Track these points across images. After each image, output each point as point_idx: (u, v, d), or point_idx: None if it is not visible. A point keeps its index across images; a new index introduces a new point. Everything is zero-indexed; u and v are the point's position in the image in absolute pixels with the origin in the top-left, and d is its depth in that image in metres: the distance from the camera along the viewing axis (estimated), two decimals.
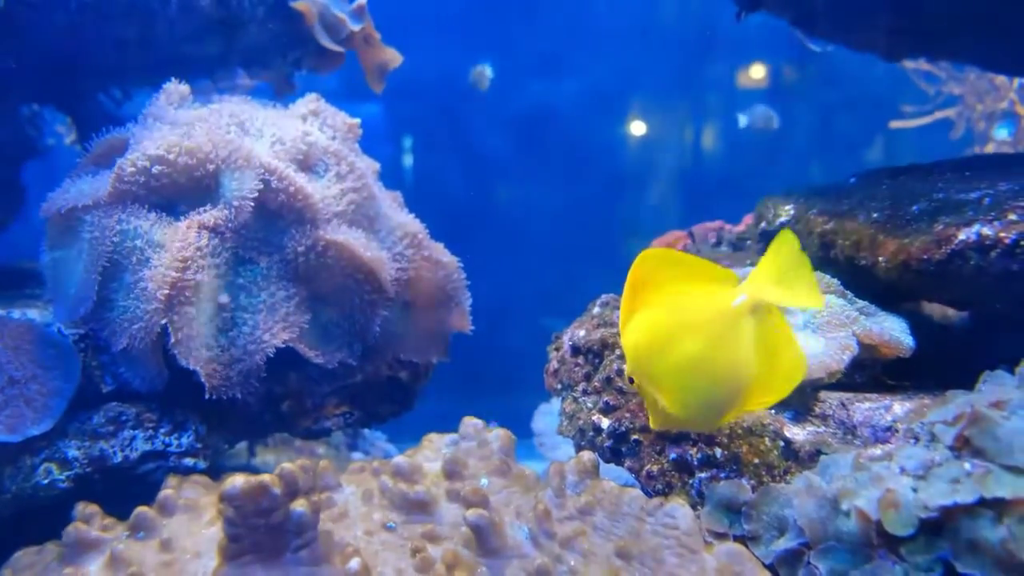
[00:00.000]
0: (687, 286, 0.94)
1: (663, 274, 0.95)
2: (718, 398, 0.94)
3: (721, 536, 1.04)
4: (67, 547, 1.08)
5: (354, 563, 0.94)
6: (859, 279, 1.25)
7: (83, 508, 1.15)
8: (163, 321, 1.25)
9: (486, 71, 3.62)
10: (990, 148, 3.46)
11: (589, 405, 1.32)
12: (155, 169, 1.32)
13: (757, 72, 4.23)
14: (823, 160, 4.16)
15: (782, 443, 1.09)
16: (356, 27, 1.89)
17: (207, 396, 1.28)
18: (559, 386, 1.47)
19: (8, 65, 1.66)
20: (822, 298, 0.90)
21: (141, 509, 1.12)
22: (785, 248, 0.89)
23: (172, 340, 1.25)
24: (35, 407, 1.24)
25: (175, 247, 1.27)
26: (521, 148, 4.26)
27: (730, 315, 0.89)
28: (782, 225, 1.52)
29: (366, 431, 2.61)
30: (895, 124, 3.55)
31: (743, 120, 3.47)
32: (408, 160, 4.31)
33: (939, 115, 3.50)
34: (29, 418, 1.23)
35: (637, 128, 4.36)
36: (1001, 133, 3.45)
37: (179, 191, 1.36)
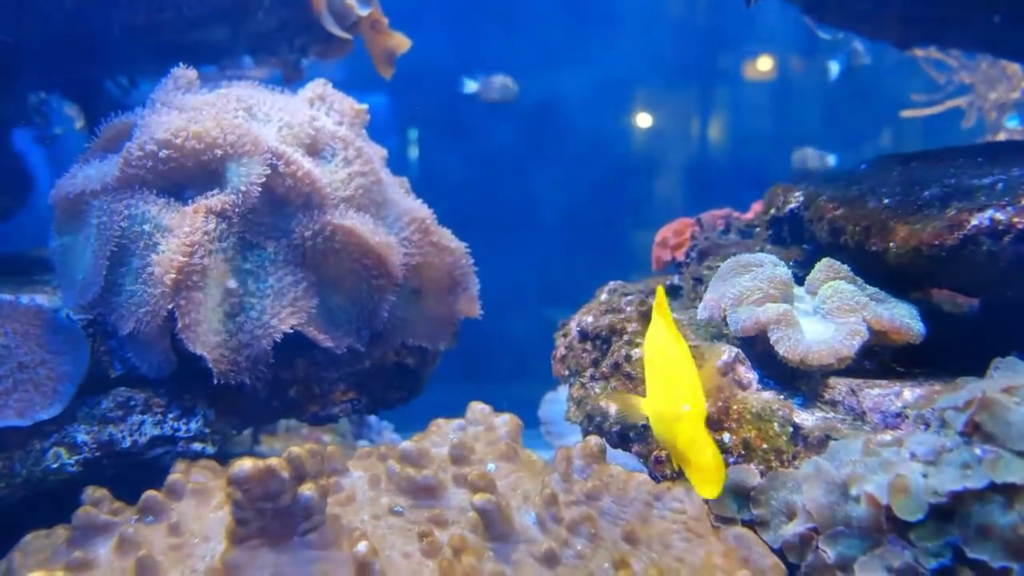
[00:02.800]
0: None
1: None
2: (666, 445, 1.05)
3: (729, 521, 1.04)
4: (77, 530, 1.08)
5: (362, 547, 0.93)
6: (869, 265, 1.24)
7: (92, 492, 1.15)
8: (170, 306, 1.24)
9: (509, 84, 3.43)
10: (1000, 137, 3.43)
11: (597, 390, 1.32)
12: (162, 154, 1.32)
13: (764, 63, 4.21)
14: (831, 150, 4.14)
15: (791, 428, 1.09)
16: (364, 12, 1.88)
17: (215, 381, 1.28)
18: (567, 372, 1.47)
19: (16, 52, 1.66)
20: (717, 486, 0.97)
21: (150, 493, 1.12)
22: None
23: (179, 325, 1.25)
24: (44, 392, 1.24)
25: (182, 232, 1.27)
26: (528, 137, 4.25)
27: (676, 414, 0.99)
28: (792, 211, 1.51)
29: (372, 420, 2.61)
30: (906, 113, 3.52)
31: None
32: (413, 150, 4.30)
33: (949, 104, 3.47)
34: (38, 403, 1.23)
35: (643, 118, 4.34)
36: (1012, 123, 3.42)
37: (187, 176, 1.35)
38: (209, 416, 1.37)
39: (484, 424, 1.23)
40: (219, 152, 1.33)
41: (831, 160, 3.50)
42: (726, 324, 1.23)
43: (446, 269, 1.56)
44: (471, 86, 3.45)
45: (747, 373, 1.19)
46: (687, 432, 0.96)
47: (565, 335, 1.52)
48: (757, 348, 1.19)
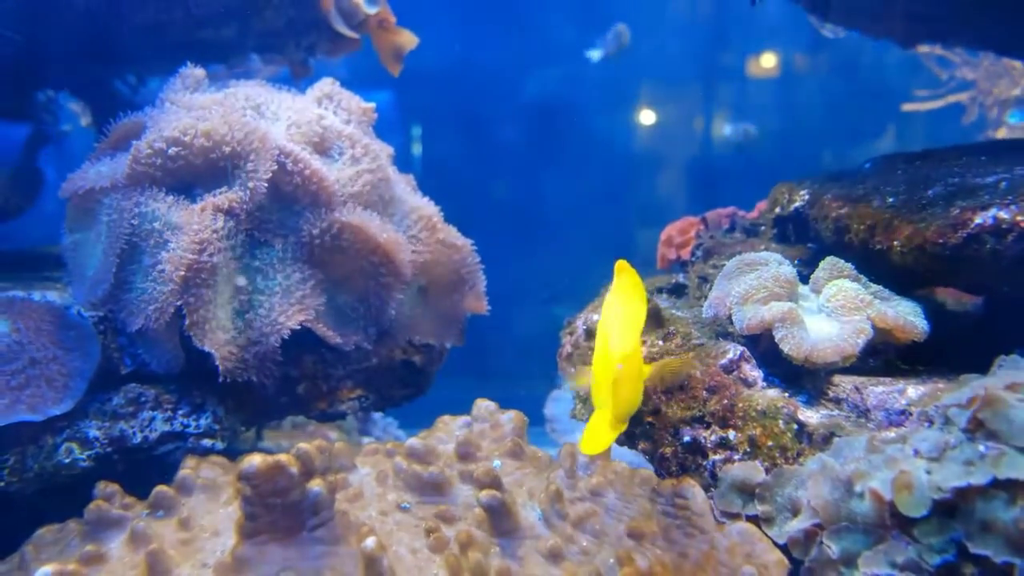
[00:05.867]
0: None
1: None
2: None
3: (734, 517, 1.05)
4: (89, 524, 1.10)
5: (370, 542, 0.94)
6: (873, 264, 1.25)
7: (104, 487, 1.16)
8: (178, 303, 1.26)
9: (622, 30, 3.37)
10: (1002, 133, 3.42)
11: None
12: (171, 151, 1.33)
13: (768, 60, 4.21)
14: (834, 148, 4.13)
15: (796, 426, 1.10)
16: (371, 11, 1.89)
17: (221, 379, 1.29)
18: (573, 370, 1.47)
19: (26, 50, 1.67)
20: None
21: (161, 488, 1.13)
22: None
23: (188, 322, 1.26)
24: (56, 387, 1.25)
25: (192, 230, 1.28)
26: (532, 136, 4.25)
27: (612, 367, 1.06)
28: (797, 210, 1.52)
29: (377, 416, 2.62)
30: (908, 107, 3.52)
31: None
32: (417, 148, 4.31)
33: (951, 99, 3.46)
34: (50, 398, 1.24)
35: (648, 116, 4.34)
36: (1014, 119, 3.41)
37: (196, 174, 1.36)
38: (219, 412, 1.38)
39: (490, 421, 1.24)
40: (227, 150, 1.34)
41: (753, 130, 3.76)
42: (731, 322, 1.23)
43: (453, 267, 1.57)
44: (595, 54, 3.44)
45: (752, 371, 1.19)
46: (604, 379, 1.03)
47: (571, 333, 1.53)
48: (762, 346, 1.20)
